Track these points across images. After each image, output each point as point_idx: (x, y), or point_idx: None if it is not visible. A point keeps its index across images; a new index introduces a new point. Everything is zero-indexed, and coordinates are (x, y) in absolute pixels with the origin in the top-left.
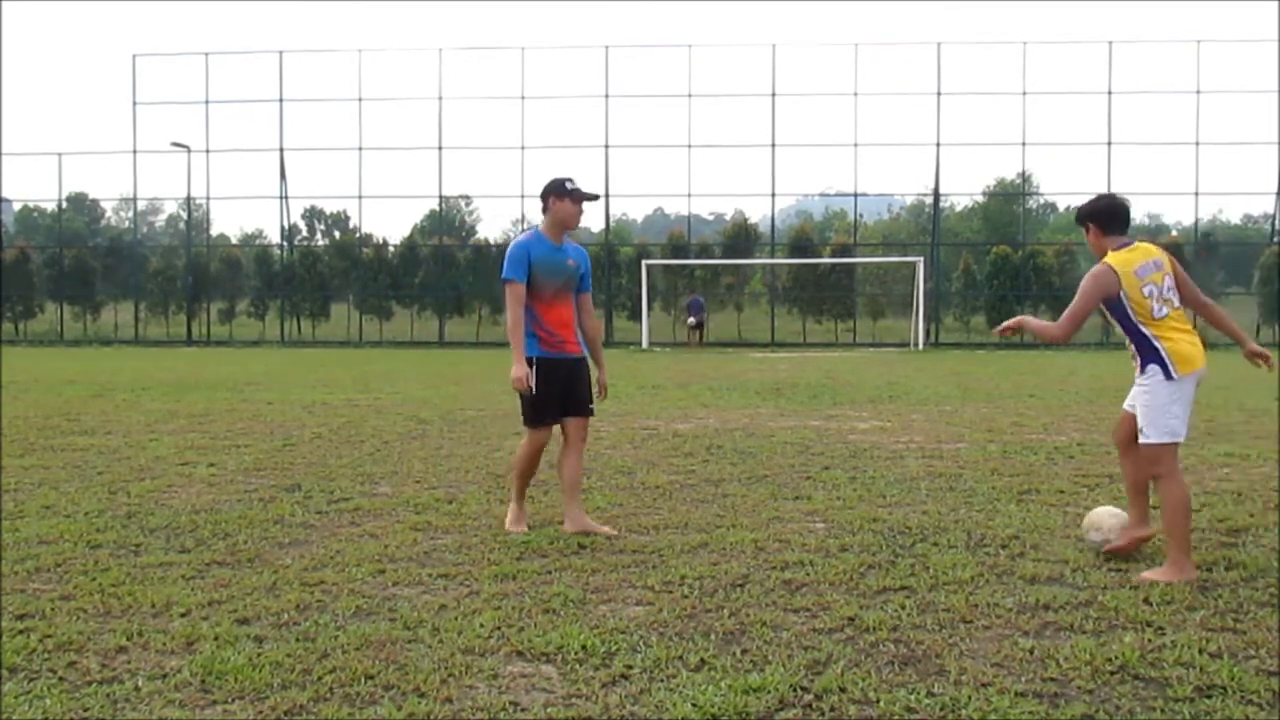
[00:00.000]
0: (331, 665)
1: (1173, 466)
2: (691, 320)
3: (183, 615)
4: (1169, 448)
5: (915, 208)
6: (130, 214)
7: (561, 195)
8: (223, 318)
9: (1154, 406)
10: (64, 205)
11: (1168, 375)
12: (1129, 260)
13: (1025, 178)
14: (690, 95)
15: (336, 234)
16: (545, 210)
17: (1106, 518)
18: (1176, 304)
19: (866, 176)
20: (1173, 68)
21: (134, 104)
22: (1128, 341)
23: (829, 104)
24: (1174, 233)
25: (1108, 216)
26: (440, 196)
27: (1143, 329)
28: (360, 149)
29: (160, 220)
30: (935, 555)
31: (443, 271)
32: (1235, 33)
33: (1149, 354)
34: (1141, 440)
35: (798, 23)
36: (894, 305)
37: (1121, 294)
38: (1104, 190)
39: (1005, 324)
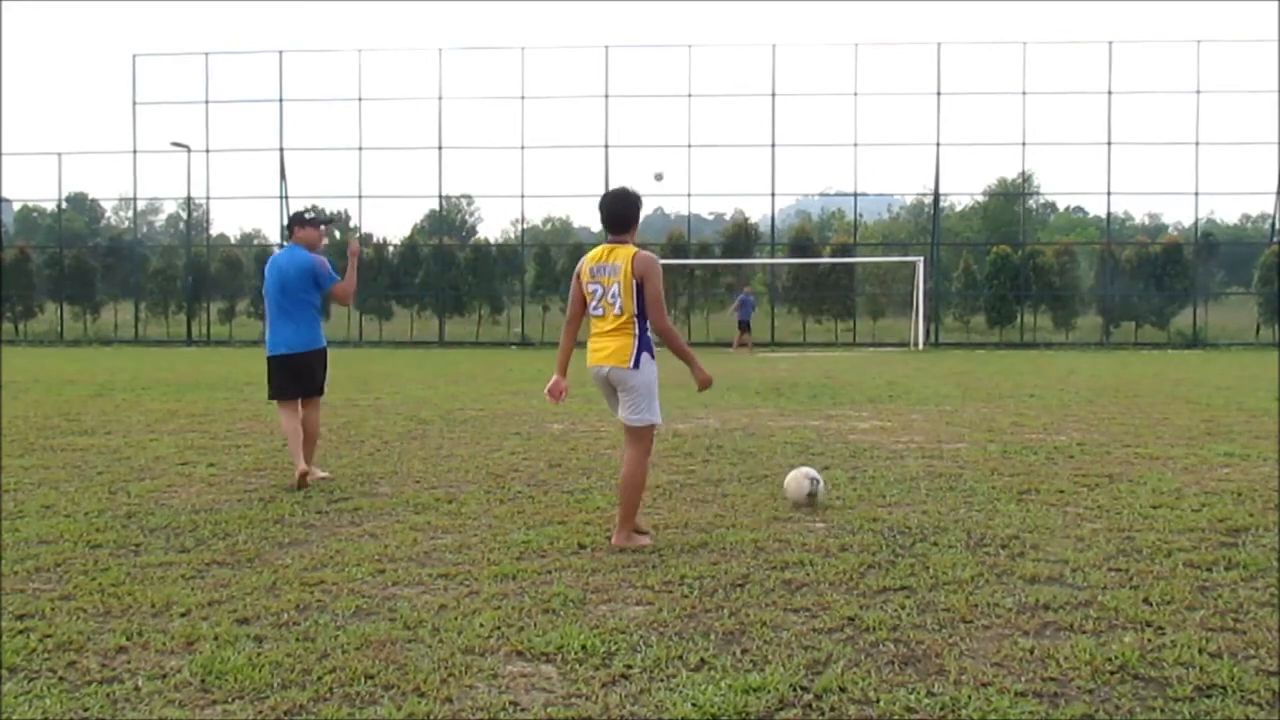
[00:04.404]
0: (331, 665)
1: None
2: (741, 318)
3: (183, 615)
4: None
5: (915, 207)
6: (130, 214)
7: (304, 224)
8: (223, 318)
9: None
10: (64, 205)
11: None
12: (593, 256)
13: (1025, 178)
14: (690, 95)
15: (336, 234)
16: (291, 236)
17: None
18: (617, 310)
19: (866, 176)
20: (1173, 68)
21: (134, 104)
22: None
23: (829, 104)
24: (1173, 232)
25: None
26: (440, 196)
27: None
28: (360, 149)
29: (160, 220)
30: (935, 555)
31: (443, 271)
32: (1235, 33)
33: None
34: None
35: (798, 23)
36: (894, 305)
37: (579, 283)
38: (1104, 189)
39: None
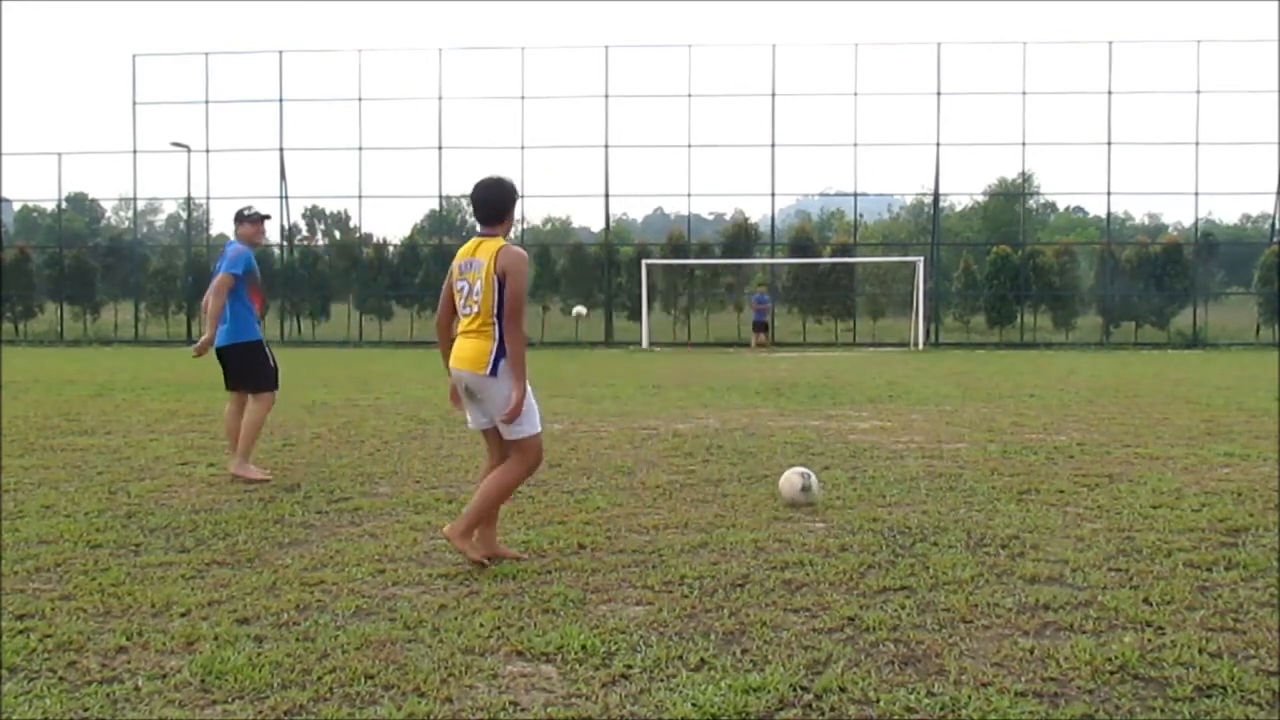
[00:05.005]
0: (331, 665)
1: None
2: (755, 319)
3: (183, 615)
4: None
5: (915, 207)
6: (130, 214)
7: (242, 221)
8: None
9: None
10: (64, 205)
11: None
12: (464, 251)
13: (1025, 178)
14: (690, 95)
15: (337, 234)
16: (237, 231)
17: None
18: (478, 309)
19: (866, 176)
20: (1173, 68)
21: (134, 104)
22: None
23: (829, 104)
24: (1173, 232)
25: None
26: (440, 196)
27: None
28: (360, 149)
29: (160, 220)
30: (935, 555)
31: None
32: (1235, 33)
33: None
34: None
35: (798, 23)
36: (894, 305)
37: (450, 280)
38: (1104, 189)
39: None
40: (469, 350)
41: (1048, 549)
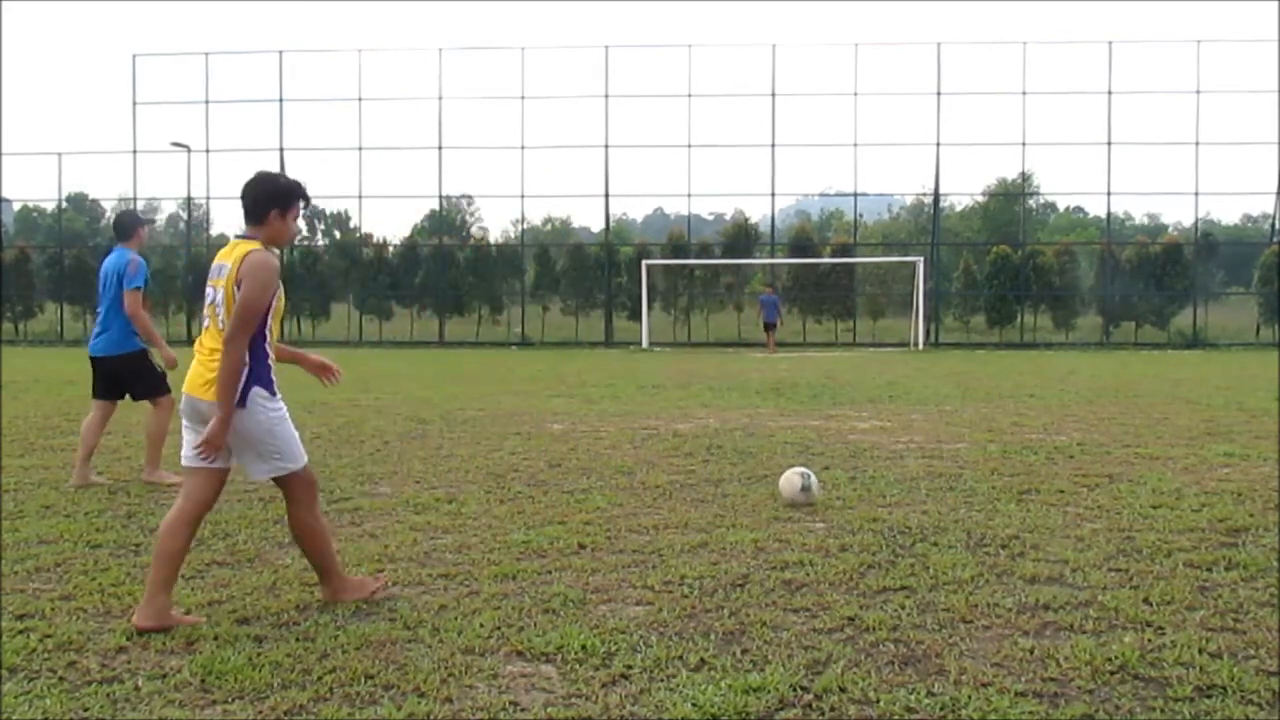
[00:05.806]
0: (331, 665)
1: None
2: (766, 319)
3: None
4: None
5: (915, 207)
6: None
7: (140, 225)
8: None
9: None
10: (64, 205)
11: None
12: (220, 255)
13: (1025, 178)
14: (690, 95)
15: (337, 234)
16: (131, 238)
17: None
18: (220, 324)
19: (866, 176)
20: (1173, 68)
21: (134, 104)
22: None
23: (829, 104)
24: (1173, 232)
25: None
26: (440, 196)
27: None
28: (360, 149)
29: (160, 220)
30: (935, 555)
31: (443, 271)
32: (1235, 33)
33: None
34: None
35: (798, 23)
36: (894, 305)
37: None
38: (1104, 189)
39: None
40: (209, 375)
41: (1048, 549)
